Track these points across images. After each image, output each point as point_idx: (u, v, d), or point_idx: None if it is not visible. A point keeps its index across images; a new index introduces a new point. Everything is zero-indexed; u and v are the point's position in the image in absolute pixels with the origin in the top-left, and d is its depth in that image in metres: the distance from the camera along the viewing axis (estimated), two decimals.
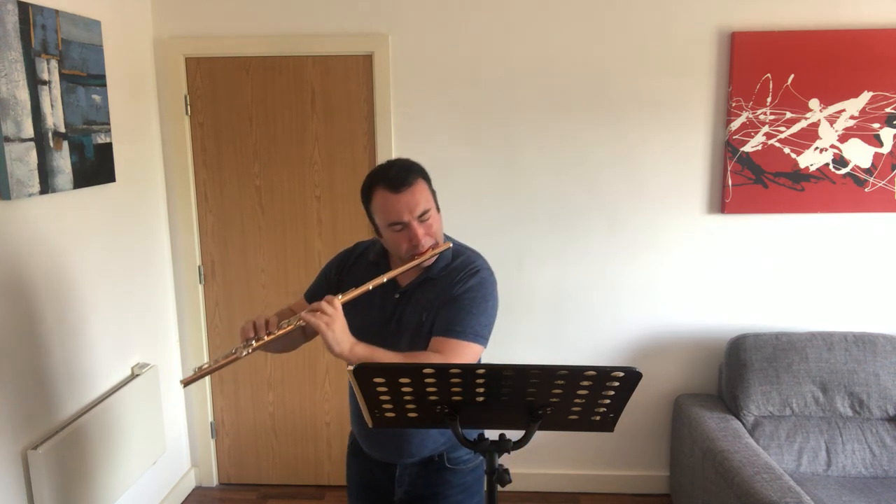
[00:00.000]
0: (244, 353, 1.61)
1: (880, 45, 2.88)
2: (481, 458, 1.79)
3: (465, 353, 1.64)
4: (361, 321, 1.70)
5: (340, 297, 1.61)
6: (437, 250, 1.69)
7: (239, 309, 3.30)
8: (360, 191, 1.73)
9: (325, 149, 3.15)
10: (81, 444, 2.42)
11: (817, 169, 2.98)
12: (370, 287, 1.65)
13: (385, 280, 1.67)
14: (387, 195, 1.64)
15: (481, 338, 1.68)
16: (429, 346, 1.68)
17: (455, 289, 1.69)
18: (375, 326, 1.73)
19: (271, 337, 1.63)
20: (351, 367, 1.38)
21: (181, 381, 1.66)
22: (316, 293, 1.86)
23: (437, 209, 1.73)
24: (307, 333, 1.81)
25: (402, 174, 1.65)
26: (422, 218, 1.66)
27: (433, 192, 1.73)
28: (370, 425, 1.51)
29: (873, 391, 2.80)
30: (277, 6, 3.04)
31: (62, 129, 2.38)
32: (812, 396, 2.83)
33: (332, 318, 1.55)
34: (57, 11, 2.35)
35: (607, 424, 1.47)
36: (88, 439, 2.47)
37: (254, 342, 1.61)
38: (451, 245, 1.73)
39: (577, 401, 1.40)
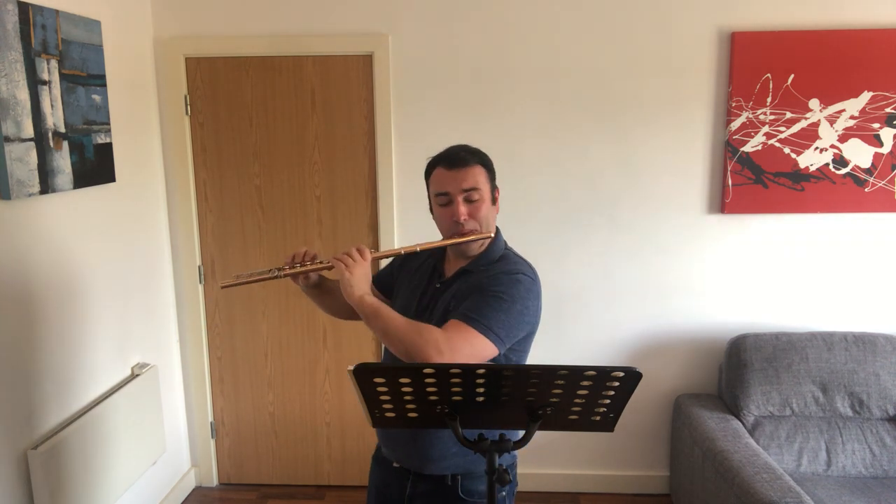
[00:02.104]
0: (278, 274, 1.75)
1: (880, 45, 2.88)
2: (503, 494, 1.75)
3: (472, 341, 1.55)
4: (405, 302, 1.78)
5: (372, 250, 1.70)
6: (476, 236, 1.71)
7: (239, 309, 3.30)
8: (425, 172, 1.80)
9: (325, 149, 3.15)
10: (81, 444, 2.42)
11: (817, 169, 2.99)
12: (402, 251, 1.75)
13: (418, 249, 1.74)
14: (441, 171, 1.71)
15: (494, 334, 1.57)
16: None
17: (487, 281, 1.66)
18: (412, 310, 1.76)
19: (303, 268, 1.75)
20: (351, 368, 1.38)
21: (221, 285, 1.89)
22: (382, 277, 1.98)
23: (493, 202, 1.75)
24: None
25: (463, 154, 1.71)
26: (468, 196, 1.68)
27: (493, 184, 1.75)
28: (371, 425, 1.51)
29: (873, 391, 2.80)
30: (277, 6, 3.04)
31: (62, 129, 2.38)
32: (812, 396, 2.83)
33: (356, 264, 1.64)
34: (57, 11, 2.35)
35: (607, 424, 1.47)
36: (88, 439, 2.47)
37: (287, 268, 1.75)
38: (492, 235, 1.73)
39: (577, 401, 1.40)
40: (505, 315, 1.60)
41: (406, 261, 1.90)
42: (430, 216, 1.82)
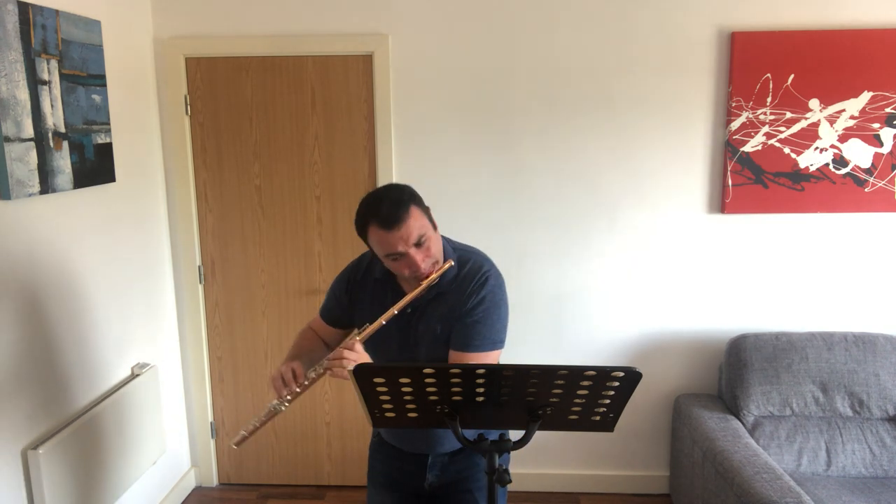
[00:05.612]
0: (282, 408, 1.71)
1: (880, 45, 2.88)
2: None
3: (486, 360, 1.73)
4: (378, 338, 1.73)
5: (357, 336, 1.67)
6: (440, 270, 1.71)
7: (239, 309, 3.30)
8: (354, 221, 1.73)
9: (325, 149, 3.15)
10: (81, 444, 2.42)
11: (817, 169, 2.98)
12: (383, 322, 1.69)
13: (396, 312, 1.70)
14: (380, 232, 1.65)
15: (500, 342, 1.77)
16: (449, 360, 1.74)
17: (468, 302, 1.74)
18: (392, 342, 1.79)
19: (304, 389, 1.70)
20: (351, 368, 1.38)
21: (234, 444, 1.78)
22: (331, 312, 1.95)
23: (435, 227, 1.74)
24: (332, 347, 1.92)
25: (393, 210, 1.64)
26: (418, 243, 1.66)
27: (427, 212, 1.73)
28: (371, 425, 1.51)
29: (873, 391, 2.80)
30: (277, 6, 3.04)
31: (62, 129, 2.38)
32: (812, 396, 2.83)
33: (356, 362, 1.58)
34: (57, 11, 2.35)
35: (607, 424, 1.47)
36: (88, 439, 2.47)
37: (288, 397, 1.69)
38: (453, 263, 1.74)
39: (577, 401, 1.40)
40: (500, 322, 1.77)
41: (354, 291, 1.87)
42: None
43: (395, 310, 1.69)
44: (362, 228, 1.70)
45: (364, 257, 1.91)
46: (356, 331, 1.73)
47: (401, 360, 1.76)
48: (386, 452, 1.96)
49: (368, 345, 1.69)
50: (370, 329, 1.69)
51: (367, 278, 1.86)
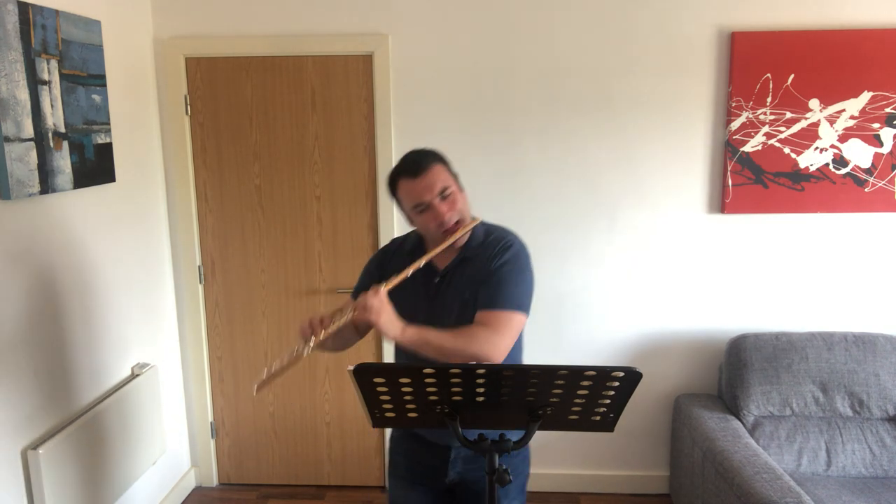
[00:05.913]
0: (305, 352, 1.67)
1: (880, 45, 2.88)
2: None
3: (511, 321, 1.73)
4: (408, 306, 1.77)
5: (384, 285, 1.69)
6: (467, 227, 1.78)
7: (239, 309, 3.30)
8: (386, 184, 1.84)
9: (325, 149, 3.15)
10: (81, 444, 2.42)
11: (817, 169, 2.98)
12: (409, 272, 1.73)
13: (423, 264, 1.75)
14: (407, 182, 1.77)
15: (524, 307, 1.76)
16: (475, 320, 1.75)
17: (492, 263, 1.78)
18: (422, 310, 1.81)
19: (327, 333, 1.69)
20: (351, 367, 1.38)
21: (255, 388, 1.70)
22: (362, 290, 1.95)
23: (461, 189, 1.83)
24: (360, 329, 1.92)
25: (418, 160, 1.78)
26: (443, 195, 1.75)
27: (454, 175, 1.84)
28: (371, 426, 1.51)
29: (873, 391, 2.80)
30: (277, 6, 3.04)
31: (62, 129, 2.38)
32: (812, 396, 2.83)
33: (381, 308, 1.63)
34: (57, 11, 2.35)
35: (607, 424, 1.47)
36: (88, 439, 2.47)
37: (311, 340, 1.68)
38: (480, 220, 1.82)
39: (577, 401, 1.40)
40: (523, 285, 1.79)
41: (389, 260, 1.93)
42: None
43: (422, 261, 1.74)
44: (392, 185, 1.81)
45: (396, 239, 2.01)
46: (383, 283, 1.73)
47: (429, 326, 1.73)
48: (408, 446, 1.96)
49: (399, 309, 1.69)
50: (396, 280, 1.72)
51: (398, 254, 1.93)
